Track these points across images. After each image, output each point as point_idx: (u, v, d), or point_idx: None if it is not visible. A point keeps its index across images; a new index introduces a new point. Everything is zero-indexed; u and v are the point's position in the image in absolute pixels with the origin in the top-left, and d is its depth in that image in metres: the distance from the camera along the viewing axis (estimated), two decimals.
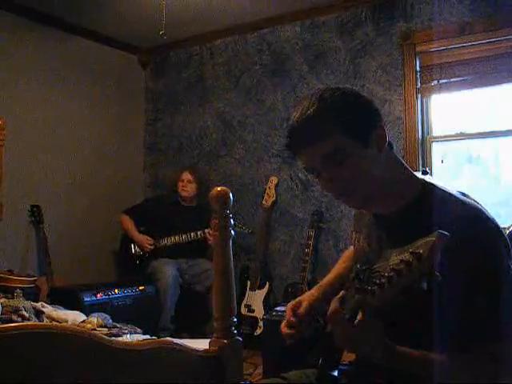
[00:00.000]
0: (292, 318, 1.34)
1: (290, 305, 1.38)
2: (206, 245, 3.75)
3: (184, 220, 3.87)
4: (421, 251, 0.89)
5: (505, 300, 1.04)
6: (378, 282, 0.94)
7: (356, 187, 1.14)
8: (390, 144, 1.18)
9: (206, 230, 3.65)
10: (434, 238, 0.89)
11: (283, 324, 1.36)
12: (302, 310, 1.36)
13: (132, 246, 3.94)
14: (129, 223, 3.96)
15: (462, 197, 1.14)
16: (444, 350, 1.04)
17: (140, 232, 3.93)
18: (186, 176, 3.99)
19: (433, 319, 1.05)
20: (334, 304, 1.03)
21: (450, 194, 1.14)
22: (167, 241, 3.87)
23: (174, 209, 3.99)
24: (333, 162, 1.12)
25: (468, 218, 1.07)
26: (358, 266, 1.07)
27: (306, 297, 1.41)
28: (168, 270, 3.63)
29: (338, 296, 1.04)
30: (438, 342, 1.04)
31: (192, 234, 3.77)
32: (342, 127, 1.10)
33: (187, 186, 3.97)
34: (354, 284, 1.01)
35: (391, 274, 0.92)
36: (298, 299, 1.40)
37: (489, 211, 1.14)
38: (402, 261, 0.91)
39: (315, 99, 1.12)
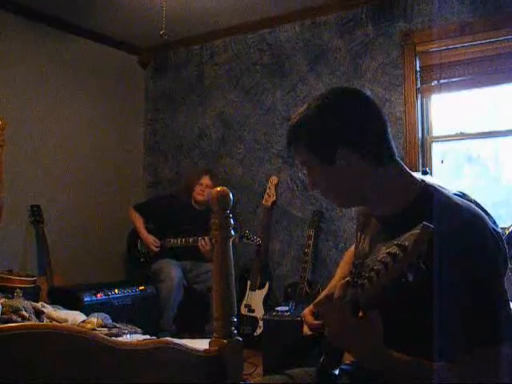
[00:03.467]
0: (315, 321, 1.34)
1: (306, 311, 1.38)
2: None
3: (193, 223, 3.81)
4: (406, 243, 0.91)
5: (499, 304, 1.05)
6: (367, 275, 0.96)
7: (324, 193, 1.26)
8: (388, 153, 1.18)
9: (200, 238, 3.64)
10: (418, 231, 0.91)
11: (306, 329, 1.37)
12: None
13: (139, 242, 3.91)
14: (138, 220, 3.92)
15: (461, 200, 1.13)
16: (438, 351, 1.03)
17: (148, 229, 3.90)
18: (206, 181, 3.90)
19: (423, 314, 1.05)
20: (338, 291, 1.01)
21: (450, 198, 1.14)
22: (174, 242, 3.82)
23: (185, 211, 3.92)
24: (306, 168, 1.24)
25: (465, 224, 1.07)
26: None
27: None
28: (173, 272, 3.59)
29: (342, 282, 1.02)
30: (431, 342, 1.03)
31: (199, 238, 3.68)
32: (307, 145, 1.20)
33: (205, 191, 3.85)
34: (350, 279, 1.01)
35: (379, 267, 0.93)
36: (312, 305, 1.40)
37: (489, 211, 1.14)
38: (388, 253, 0.92)
39: (306, 107, 1.21)
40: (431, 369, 1.01)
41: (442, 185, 1.21)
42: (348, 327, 1.00)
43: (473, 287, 1.03)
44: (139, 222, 3.92)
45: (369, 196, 1.19)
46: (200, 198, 3.89)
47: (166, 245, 3.86)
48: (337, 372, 1.18)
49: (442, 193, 1.15)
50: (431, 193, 1.15)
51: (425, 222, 0.91)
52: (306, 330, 1.36)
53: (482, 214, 1.11)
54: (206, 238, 3.62)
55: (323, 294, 1.47)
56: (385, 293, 0.95)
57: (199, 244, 3.66)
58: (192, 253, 3.77)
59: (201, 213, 3.89)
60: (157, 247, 3.84)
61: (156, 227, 3.92)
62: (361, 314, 1.00)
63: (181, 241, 3.80)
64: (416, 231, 0.91)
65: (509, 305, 1.06)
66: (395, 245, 0.92)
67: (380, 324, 0.99)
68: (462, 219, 1.07)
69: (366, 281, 0.96)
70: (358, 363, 1.26)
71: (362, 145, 1.15)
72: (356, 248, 1.40)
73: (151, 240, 3.86)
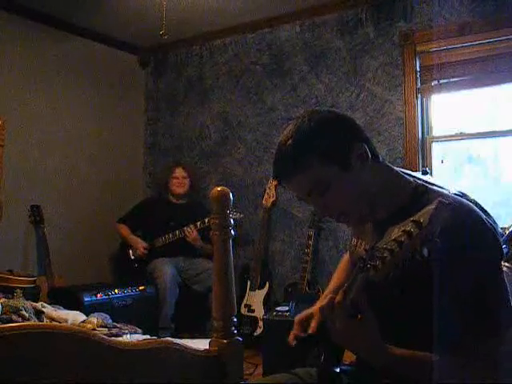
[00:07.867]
0: (301, 334, 1.31)
1: (298, 318, 1.34)
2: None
3: (178, 218, 3.87)
4: (421, 219, 0.91)
5: (496, 299, 1.06)
6: (379, 255, 0.95)
7: (346, 209, 1.18)
8: (375, 155, 1.19)
9: (186, 228, 3.71)
10: (433, 206, 0.91)
11: (291, 337, 1.32)
12: (313, 326, 1.28)
13: (130, 251, 3.94)
14: (125, 230, 3.99)
15: (452, 197, 1.13)
16: (438, 344, 1.04)
17: (137, 236, 3.96)
18: (180, 173, 4.00)
19: (423, 310, 1.05)
20: (338, 297, 1.03)
21: (441, 195, 1.13)
22: (162, 240, 3.87)
23: (166, 208, 4.00)
24: (318, 193, 1.15)
25: (458, 220, 1.06)
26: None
27: (315, 311, 1.33)
28: (166, 269, 3.63)
29: (343, 289, 1.03)
30: (431, 335, 1.04)
31: (184, 228, 3.77)
32: (321, 157, 1.13)
33: (183, 182, 3.99)
34: (357, 267, 1.01)
35: (392, 246, 0.93)
36: (306, 312, 1.34)
37: (489, 211, 1.14)
38: (403, 231, 0.92)
39: (293, 130, 1.15)
40: (432, 363, 1.02)
41: (441, 184, 1.20)
42: (348, 329, 1.03)
43: (471, 281, 1.04)
44: (125, 231, 3.98)
45: (372, 201, 1.18)
46: (179, 190, 3.99)
47: (155, 245, 3.90)
48: (338, 370, 1.18)
49: (434, 191, 1.16)
50: (424, 193, 1.15)
51: (440, 199, 0.92)
52: (290, 338, 1.31)
53: (474, 207, 1.12)
54: (190, 225, 3.70)
55: (322, 297, 1.46)
56: (396, 273, 0.94)
57: (186, 232, 3.72)
58: (182, 248, 3.82)
59: (182, 206, 4.01)
60: (145, 248, 3.87)
61: (144, 233, 3.97)
62: (359, 316, 1.02)
63: (168, 237, 3.85)
64: (431, 207, 0.91)
65: (508, 295, 1.07)
66: (410, 221, 0.92)
67: (375, 322, 1.02)
68: (454, 216, 1.05)
69: (378, 262, 0.95)
70: (357, 363, 1.26)
71: (365, 142, 1.17)
72: (351, 254, 1.40)
73: (138, 242, 3.90)
